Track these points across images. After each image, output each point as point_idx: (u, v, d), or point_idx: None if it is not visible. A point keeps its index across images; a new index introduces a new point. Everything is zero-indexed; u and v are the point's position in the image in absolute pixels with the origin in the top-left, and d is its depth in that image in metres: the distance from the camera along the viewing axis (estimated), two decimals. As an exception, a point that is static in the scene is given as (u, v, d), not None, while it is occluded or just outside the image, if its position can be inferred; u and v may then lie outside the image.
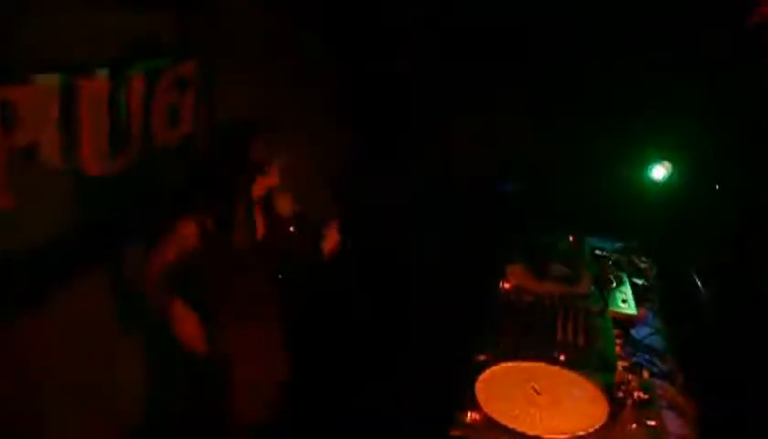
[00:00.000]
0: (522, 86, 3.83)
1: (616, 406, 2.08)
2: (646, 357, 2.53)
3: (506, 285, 2.91)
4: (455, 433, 1.99)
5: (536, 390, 2.17)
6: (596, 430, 1.97)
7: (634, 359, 2.48)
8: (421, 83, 3.73)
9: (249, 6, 3.14)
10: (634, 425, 2.01)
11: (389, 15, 3.75)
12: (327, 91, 3.74)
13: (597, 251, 3.30)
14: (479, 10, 3.84)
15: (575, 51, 3.74)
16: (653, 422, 2.01)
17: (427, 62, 3.66)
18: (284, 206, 2.57)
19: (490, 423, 2.01)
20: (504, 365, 2.31)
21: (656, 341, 2.68)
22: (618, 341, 2.55)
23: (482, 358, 2.35)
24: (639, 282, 3.05)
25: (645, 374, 2.31)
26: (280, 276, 2.60)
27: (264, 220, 2.56)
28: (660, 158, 3.68)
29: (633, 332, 2.71)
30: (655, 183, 3.72)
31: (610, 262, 3.13)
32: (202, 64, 2.83)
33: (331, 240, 2.63)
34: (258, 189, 2.48)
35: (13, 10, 1.96)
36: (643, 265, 3.22)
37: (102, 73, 2.29)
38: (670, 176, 3.67)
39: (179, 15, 2.69)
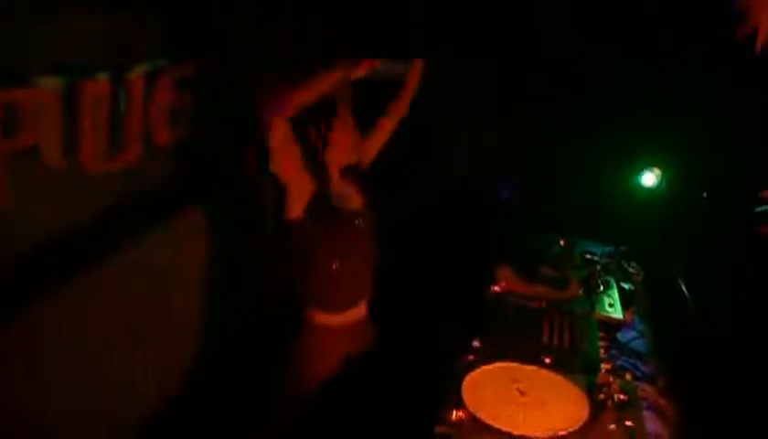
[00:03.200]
0: (513, 91, 3.88)
1: (597, 407, 2.15)
2: (630, 360, 2.60)
3: (496, 288, 2.97)
4: (441, 430, 2.05)
5: (520, 391, 2.23)
6: (576, 430, 2.04)
7: (618, 362, 2.55)
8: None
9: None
10: (613, 425, 2.07)
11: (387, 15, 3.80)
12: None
13: (587, 256, 3.36)
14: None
15: (569, 57, 3.79)
16: (630, 423, 2.08)
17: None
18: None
19: (475, 422, 2.07)
20: (490, 366, 2.37)
21: (641, 345, 2.74)
22: (603, 344, 2.61)
23: (469, 358, 2.41)
24: (626, 286, 3.10)
25: (628, 376, 2.38)
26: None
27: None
28: (651, 165, 3.74)
29: (618, 335, 2.77)
30: (645, 189, 3.79)
31: (598, 267, 3.19)
32: (201, 65, 2.88)
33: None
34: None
35: (15, 14, 2.02)
36: (631, 270, 3.28)
37: (104, 76, 2.35)
38: (660, 183, 3.73)
39: (177, 16, 2.75)
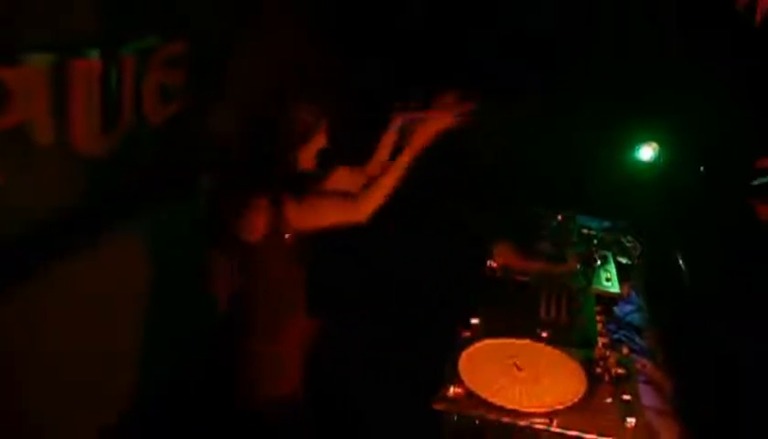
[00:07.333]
0: (511, 66, 3.85)
1: (594, 381, 2.14)
2: (627, 334, 2.60)
3: (493, 263, 2.95)
4: (438, 406, 2.05)
5: (517, 367, 2.22)
6: (573, 404, 2.04)
7: (615, 336, 2.54)
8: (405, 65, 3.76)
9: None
10: (609, 399, 2.07)
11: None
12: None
13: (584, 231, 3.35)
14: None
15: (565, 33, 3.76)
16: (627, 397, 2.07)
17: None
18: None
19: (472, 397, 2.07)
20: (487, 341, 2.36)
21: (638, 319, 2.74)
22: (600, 318, 2.60)
23: (466, 334, 2.41)
24: (624, 261, 3.10)
25: (625, 350, 2.36)
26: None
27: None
28: (648, 139, 3.72)
29: (615, 309, 2.77)
30: (642, 163, 3.77)
31: (596, 242, 3.18)
32: (194, 42, 2.85)
33: None
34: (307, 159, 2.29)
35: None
36: (628, 245, 3.26)
37: (94, 53, 2.32)
38: (657, 157, 3.71)
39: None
